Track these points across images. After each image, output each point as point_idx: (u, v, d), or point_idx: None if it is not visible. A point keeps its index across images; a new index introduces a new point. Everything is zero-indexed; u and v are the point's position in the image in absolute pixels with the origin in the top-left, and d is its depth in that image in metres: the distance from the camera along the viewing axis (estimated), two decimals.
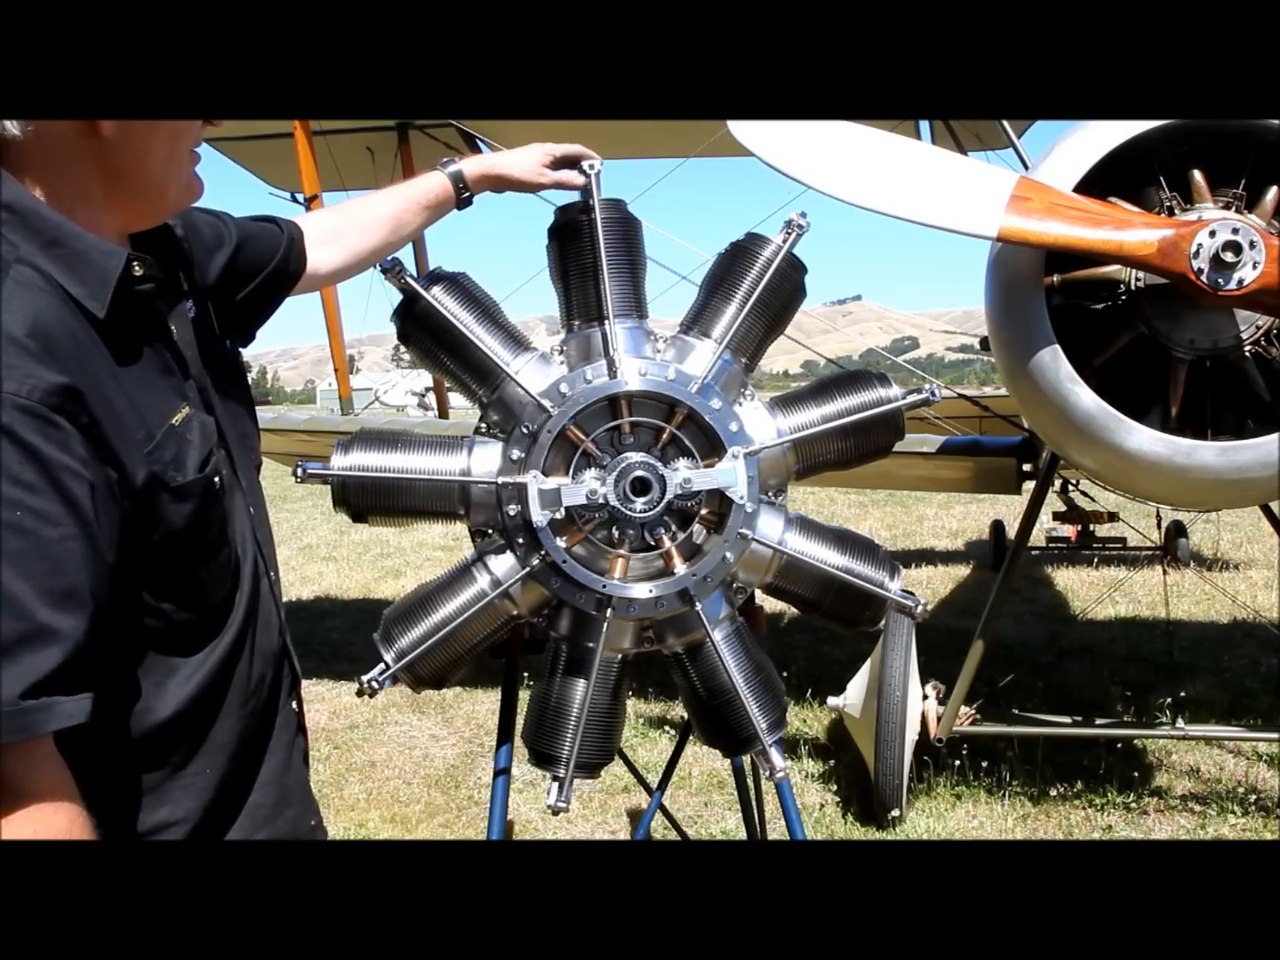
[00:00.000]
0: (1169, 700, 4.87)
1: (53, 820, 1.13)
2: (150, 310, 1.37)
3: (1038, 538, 8.14)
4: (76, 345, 1.22)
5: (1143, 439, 3.11)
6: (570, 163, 2.05)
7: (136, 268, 1.31)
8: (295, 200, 6.76)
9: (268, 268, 1.75)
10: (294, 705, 1.62)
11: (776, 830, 3.45)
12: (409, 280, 2.00)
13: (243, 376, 1.69)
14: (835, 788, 4.72)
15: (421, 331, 2.04)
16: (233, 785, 1.46)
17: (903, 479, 7.75)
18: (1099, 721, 4.86)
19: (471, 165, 2.01)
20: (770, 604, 2.38)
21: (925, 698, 4.50)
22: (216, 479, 1.38)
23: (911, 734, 4.33)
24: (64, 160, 1.26)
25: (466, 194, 2.00)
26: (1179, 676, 5.60)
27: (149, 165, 1.31)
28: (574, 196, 2.06)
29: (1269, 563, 9.04)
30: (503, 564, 2.01)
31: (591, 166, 1.99)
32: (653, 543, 1.99)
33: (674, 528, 2.00)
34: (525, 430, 1.97)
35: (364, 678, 1.96)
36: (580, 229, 2.00)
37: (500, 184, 2.04)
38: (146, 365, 1.34)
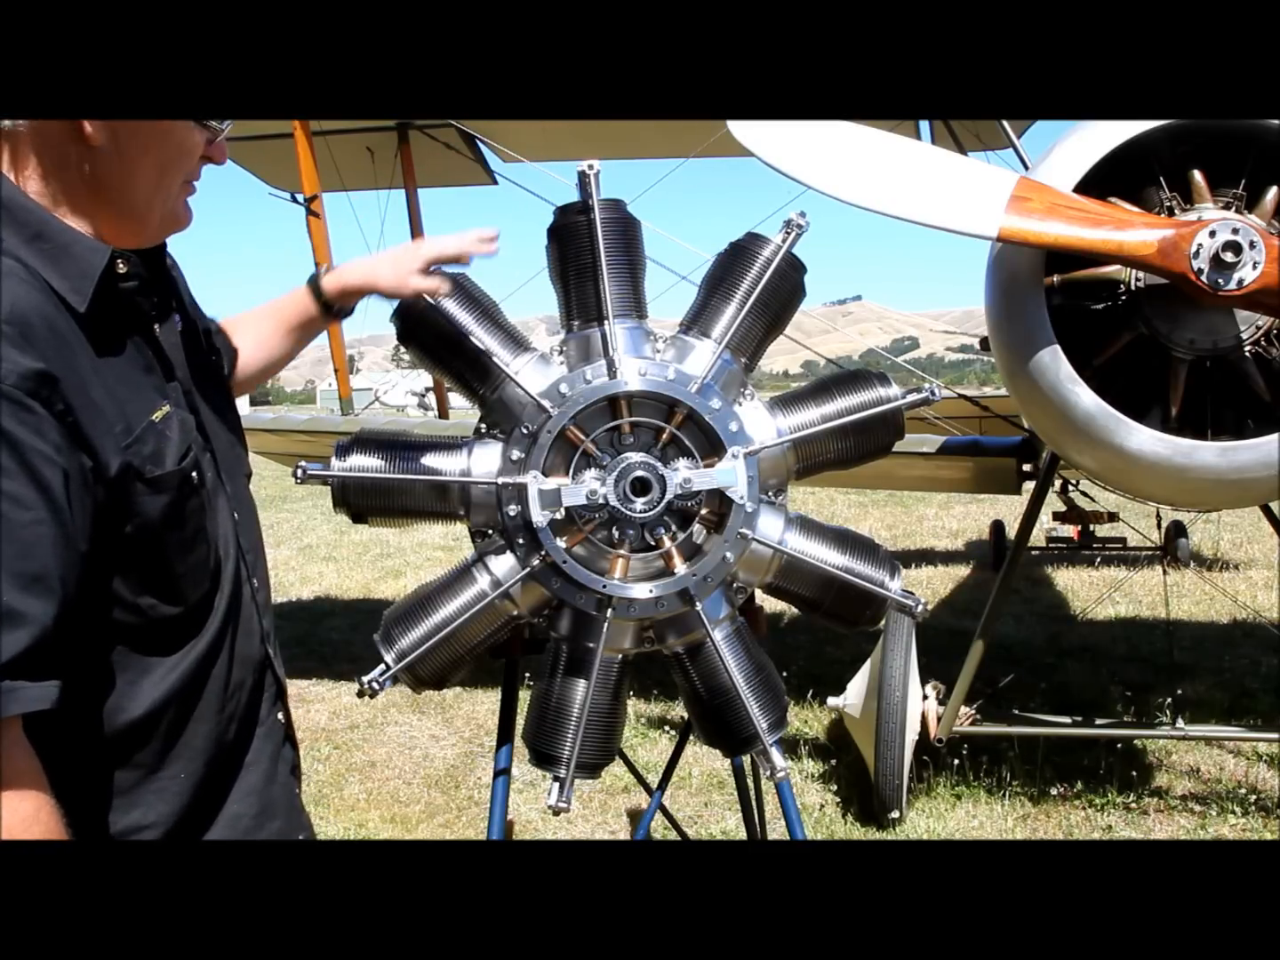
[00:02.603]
0: (1169, 700, 4.87)
1: (18, 807, 1.12)
2: (133, 308, 1.37)
3: (1038, 538, 8.13)
4: (55, 334, 1.22)
5: (1143, 439, 3.11)
6: (446, 260, 1.94)
7: (120, 265, 1.32)
8: (295, 200, 6.74)
9: (224, 370, 1.77)
10: (279, 716, 1.60)
11: (776, 830, 3.45)
12: None
13: (229, 392, 1.69)
14: (835, 788, 4.72)
15: (421, 332, 2.04)
16: (209, 792, 1.45)
17: (903, 479, 7.75)
18: (1099, 721, 4.86)
19: (331, 278, 1.89)
20: (770, 604, 2.38)
21: (925, 698, 4.50)
22: (194, 474, 1.38)
23: (911, 734, 4.33)
24: (55, 162, 1.27)
25: (328, 305, 1.89)
26: (1179, 676, 5.60)
27: (134, 185, 1.31)
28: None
29: (1269, 563, 9.04)
30: (503, 564, 2.01)
31: (591, 166, 1.99)
32: (653, 543, 1.99)
33: (674, 528, 2.00)
34: (525, 430, 1.97)
35: (364, 678, 1.96)
36: (580, 229, 1.99)
37: (364, 291, 1.92)
38: (128, 362, 1.34)
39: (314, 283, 1.90)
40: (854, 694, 4.61)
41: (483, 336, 2.01)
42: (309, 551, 11.29)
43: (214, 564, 1.43)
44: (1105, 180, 3.09)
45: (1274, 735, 4.57)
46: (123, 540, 1.28)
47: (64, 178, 1.28)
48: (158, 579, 1.34)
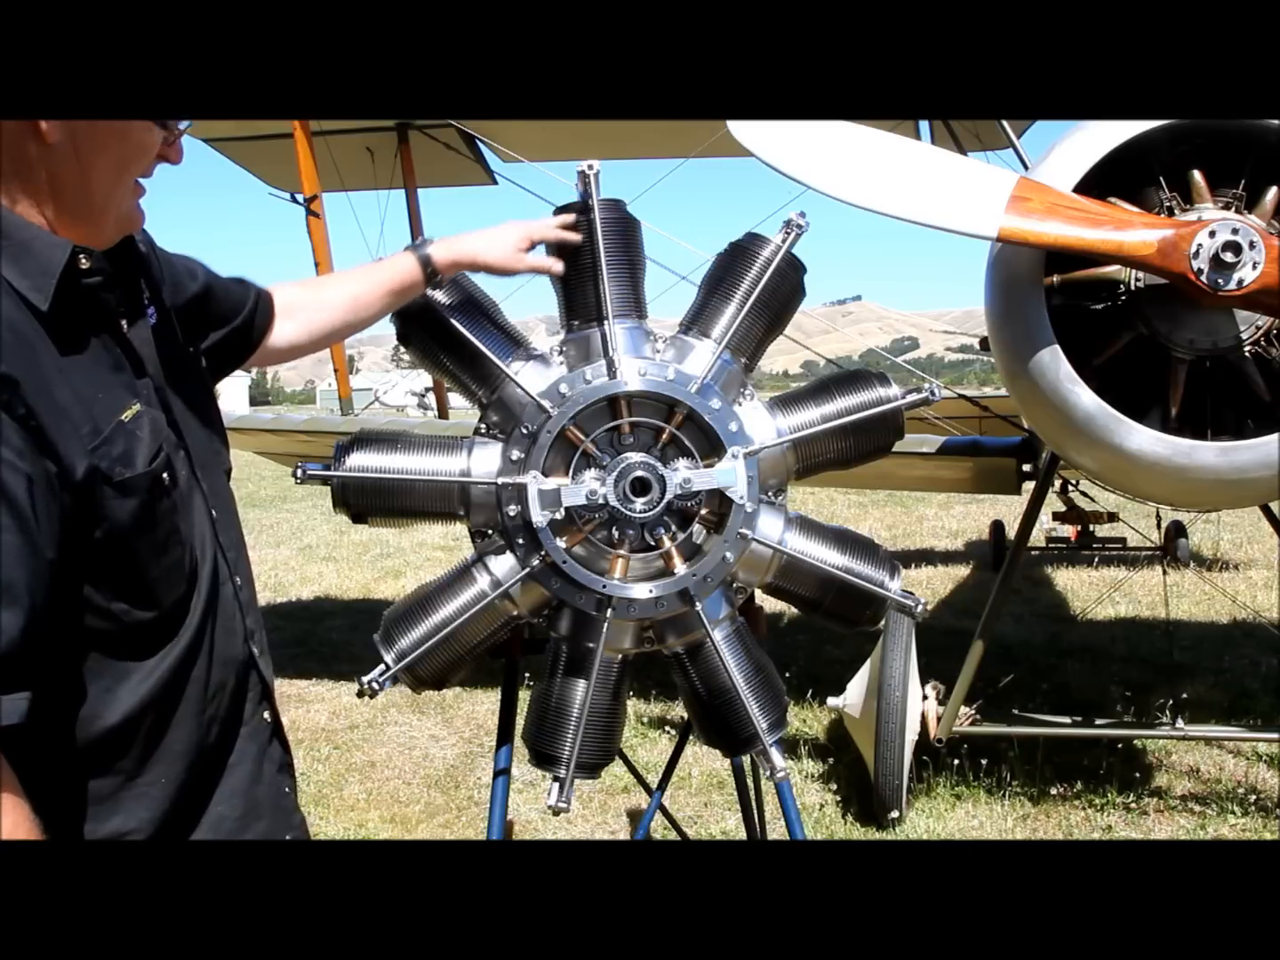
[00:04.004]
0: (1169, 700, 4.87)
1: None
2: (97, 304, 1.34)
3: (1038, 538, 8.13)
4: (16, 335, 1.19)
5: (1143, 439, 3.11)
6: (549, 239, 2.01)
7: (83, 260, 1.29)
8: (295, 200, 6.74)
9: (235, 320, 1.74)
10: (265, 715, 1.57)
11: (776, 830, 3.45)
12: None
13: (208, 386, 1.65)
14: (835, 788, 4.72)
15: (421, 332, 2.04)
16: (191, 796, 1.42)
17: (903, 479, 7.75)
18: (1099, 721, 4.86)
19: (442, 250, 1.92)
20: (770, 604, 2.38)
21: (925, 698, 4.49)
22: (165, 475, 1.34)
23: (911, 734, 4.33)
24: (11, 161, 1.25)
25: (436, 276, 1.93)
26: (1179, 676, 5.59)
27: (91, 185, 1.29)
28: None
29: (1269, 563, 9.03)
30: (503, 564, 2.01)
31: (591, 166, 1.99)
32: (653, 543, 1.99)
33: (674, 528, 2.00)
34: (525, 431, 1.97)
35: (364, 678, 1.96)
36: (579, 229, 1.99)
37: (473, 268, 1.97)
38: (95, 360, 1.31)
39: (421, 252, 1.91)
40: (854, 694, 4.60)
41: (482, 337, 2.02)
42: (309, 551, 11.30)
43: (189, 566, 1.40)
44: (1105, 180, 3.09)
45: (1274, 735, 4.56)
46: (92, 546, 1.25)
47: (20, 176, 1.26)
48: (130, 584, 1.30)
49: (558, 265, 2.00)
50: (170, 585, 1.36)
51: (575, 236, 1.99)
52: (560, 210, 2.04)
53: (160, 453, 1.33)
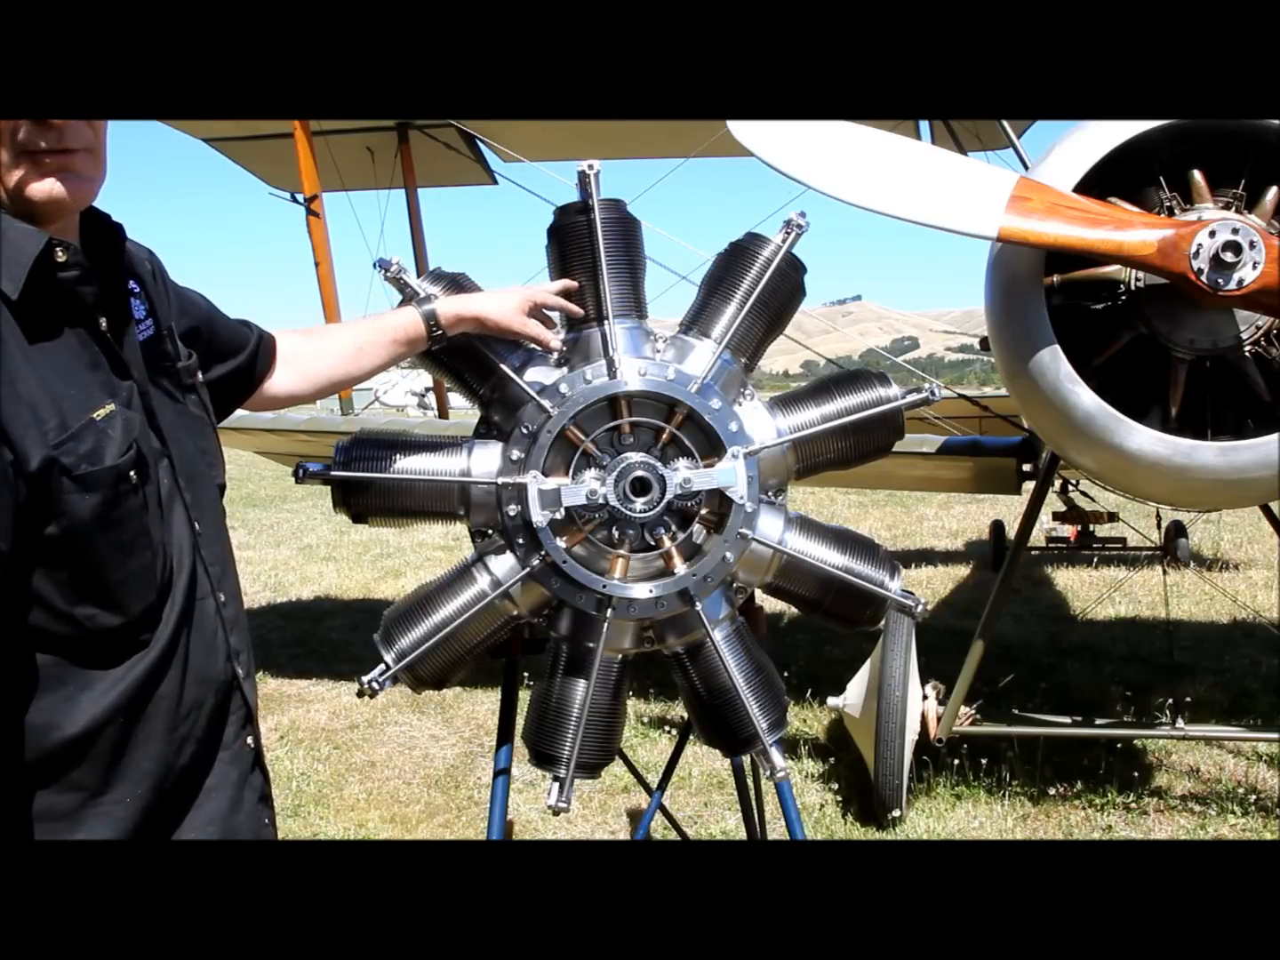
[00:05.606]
0: (1169, 700, 4.87)
1: None
2: (74, 298, 1.31)
3: (1038, 538, 8.13)
4: None
5: (1143, 439, 3.11)
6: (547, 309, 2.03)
7: (59, 253, 1.26)
8: (295, 200, 6.74)
9: (238, 358, 1.74)
10: (249, 740, 1.52)
11: (776, 830, 3.45)
12: (408, 280, 2.01)
13: (204, 401, 1.61)
14: (835, 788, 4.72)
15: None
16: (161, 819, 1.37)
17: (903, 479, 7.74)
18: (1099, 721, 4.85)
19: (447, 306, 1.94)
20: (770, 604, 2.38)
21: (925, 698, 4.50)
22: (133, 473, 1.30)
23: (911, 734, 4.33)
24: None
25: (439, 333, 1.93)
26: (1179, 676, 5.59)
27: None
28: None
29: (1269, 563, 9.04)
30: (503, 564, 2.01)
31: (591, 166, 1.99)
32: (653, 543, 1.99)
33: (674, 528, 2.00)
34: (525, 430, 1.97)
35: (364, 678, 1.96)
36: (580, 229, 2.00)
37: (476, 326, 1.97)
38: (70, 355, 1.29)
39: (428, 310, 1.92)
40: (854, 694, 4.61)
41: (482, 336, 2.01)
42: (309, 551, 11.29)
43: (162, 573, 1.35)
44: (1105, 180, 3.09)
45: (1274, 735, 4.56)
46: (48, 542, 1.22)
47: None
48: (93, 585, 1.26)
49: (555, 341, 2.01)
50: (138, 591, 1.32)
51: (577, 310, 2.01)
52: (561, 211, 2.04)
53: (129, 450, 1.29)
